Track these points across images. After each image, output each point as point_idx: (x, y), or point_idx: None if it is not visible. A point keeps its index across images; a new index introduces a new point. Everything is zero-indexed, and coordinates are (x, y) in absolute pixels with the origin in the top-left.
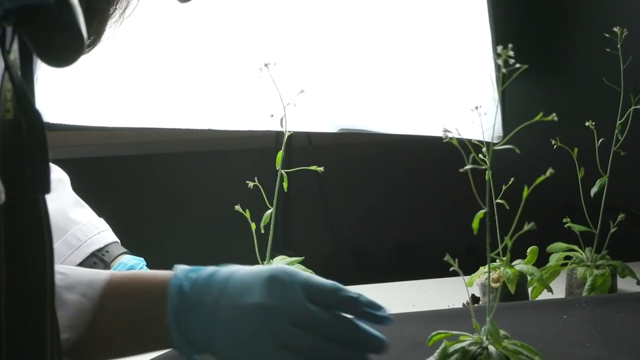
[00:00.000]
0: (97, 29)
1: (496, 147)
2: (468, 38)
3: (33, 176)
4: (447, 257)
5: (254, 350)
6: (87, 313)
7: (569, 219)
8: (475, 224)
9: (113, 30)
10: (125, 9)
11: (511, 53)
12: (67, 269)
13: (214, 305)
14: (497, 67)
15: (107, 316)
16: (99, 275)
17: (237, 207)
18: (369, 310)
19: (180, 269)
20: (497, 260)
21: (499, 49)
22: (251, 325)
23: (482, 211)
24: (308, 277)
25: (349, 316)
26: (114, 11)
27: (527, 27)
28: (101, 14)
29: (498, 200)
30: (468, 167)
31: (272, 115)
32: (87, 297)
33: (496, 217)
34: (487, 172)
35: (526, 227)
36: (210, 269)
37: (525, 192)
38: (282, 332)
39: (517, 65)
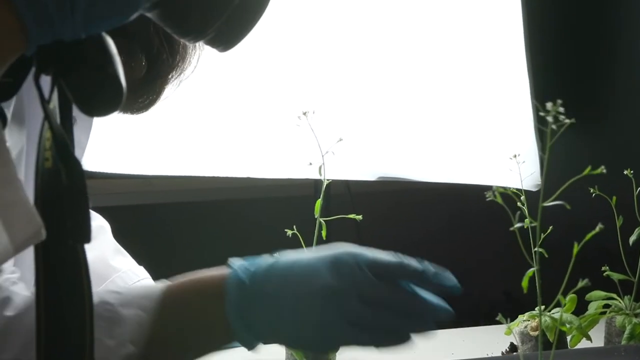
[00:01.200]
0: (157, 91)
1: (545, 204)
2: (506, 86)
3: (73, 226)
4: (485, 307)
5: (321, 330)
6: (146, 325)
7: (607, 267)
8: (524, 283)
9: (171, 90)
10: (185, 70)
11: (561, 109)
12: (121, 287)
13: (278, 293)
14: (537, 117)
15: (168, 324)
16: (154, 287)
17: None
18: (437, 282)
19: (237, 262)
20: (536, 308)
21: (549, 105)
22: (318, 307)
23: (532, 270)
24: (373, 254)
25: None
26: (174, 74)
27: (565, 74)
28: (163, 77)
29: (536, 249)
30: (517, 225)
31: (310, 164)
32: (145, 309)
33: (538, 266)
34: (536, 230)
35: (580, 283)
36: (269, 259)
37: (575, 249)
38: (351, 310)
39: (564, 119)
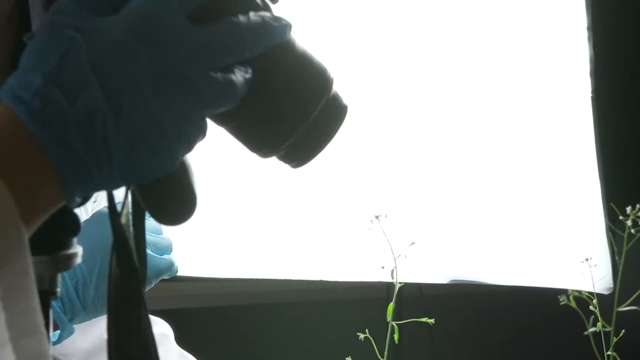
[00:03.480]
0: None
1: (620, 309)
2: (577, 187)
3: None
4: None
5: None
6: None
7: None
8: None
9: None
10: None
11: None
12: None
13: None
14: (610, 220)
15: None
16: None
17: (348, 359)
18: None
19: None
20: None
21: (628, 209)
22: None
23: None
24: None
25: None
26: None
27: (637, 176)
28: None
29: (609, 352)
30: (591, 330)
31: (382, 267)
32: None
33: None
34: (611, 338)
35: None
36: None
37: None
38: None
39: None
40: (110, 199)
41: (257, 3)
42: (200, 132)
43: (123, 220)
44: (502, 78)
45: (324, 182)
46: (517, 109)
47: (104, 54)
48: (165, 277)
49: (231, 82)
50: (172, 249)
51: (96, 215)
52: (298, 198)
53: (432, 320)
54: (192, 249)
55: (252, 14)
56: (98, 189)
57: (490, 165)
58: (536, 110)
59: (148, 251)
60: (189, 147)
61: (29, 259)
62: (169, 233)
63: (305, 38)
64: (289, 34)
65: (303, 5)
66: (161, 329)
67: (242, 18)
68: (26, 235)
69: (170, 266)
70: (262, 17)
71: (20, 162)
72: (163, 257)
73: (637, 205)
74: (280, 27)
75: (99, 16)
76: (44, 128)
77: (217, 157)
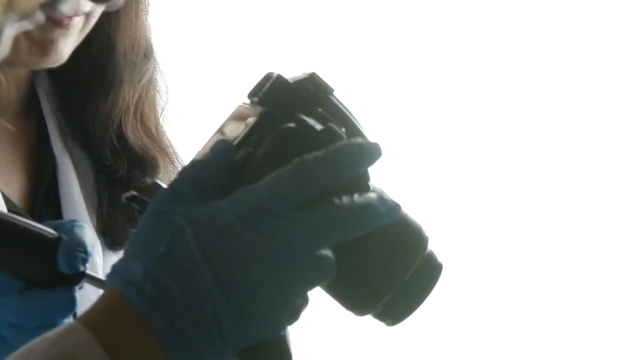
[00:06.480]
0: None
1: None
2: None
3: None
4: None
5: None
6: None
7: None
8: None
9: None
10: None
11: None
12: None
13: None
14: None
15: None
16: None
17: None
18: None
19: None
20: None
21: None
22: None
23: None
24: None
25: None
26: None
27: None
28: None
29: None
30: None
31: None
32: None
33: None
34: None
35: None
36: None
37: None
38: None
39: None
40: None
41: (365, 184)
42: (304, 302)
43: None
44: None
45: None
46: None
47: (213, 239)
48: None
49: (330, 260)
50: None
51: None
52: None
53: None
54: None
55: (356, 197)
56: None
57: None
58: None
59: None
60: (295, 318)
61: None
62: None
63: (306, 38)
64: (398, 215)
65: (303, 5)
66: None
67: (345, 200)
68: None
69: None
70: (367, 200)
71: (127, 342)
72: None
73: None
74: (386, 210)
75: (203, 203)
76: (153, 310)
77: None
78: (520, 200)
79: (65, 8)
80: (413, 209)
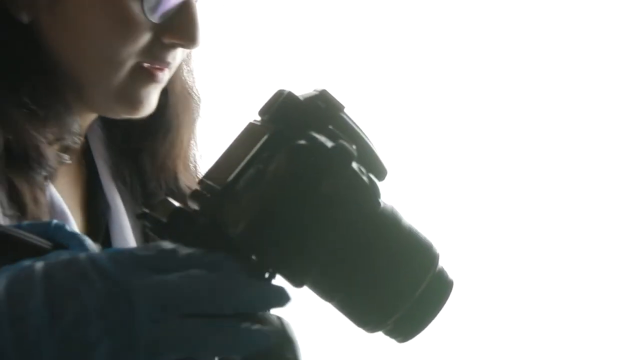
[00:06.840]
0: None
1: None
2: None
3: None
4: None
5: None
6: None
7: None
8: None
9: None
10: None
11: None
12: None
13: None
14: None
15: None
16: None
17: None
18: None
19: None
20: None
21: None
22: None
23: None
24: None
25: None
26: None
27: None
28: None
29: None
30: None
31: None
32: None
33: None
34: None
35: None
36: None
37: None
38: None
39: None
40: None
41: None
42: None
43: None
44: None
45: None
46: None
47: None
48: None
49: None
50: None
51: None
52: None
53: None
54: None
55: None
56: None
57: None
58: None
59: None
60: None
61: None
62: None
63: (305, 38)
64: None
65: (303, 5)
66: None
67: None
68: None
69: None
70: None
71: None
72: None
73: None
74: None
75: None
76: None
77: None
78: (525, 207)
79: (163, 58)
80: (422, 221)
